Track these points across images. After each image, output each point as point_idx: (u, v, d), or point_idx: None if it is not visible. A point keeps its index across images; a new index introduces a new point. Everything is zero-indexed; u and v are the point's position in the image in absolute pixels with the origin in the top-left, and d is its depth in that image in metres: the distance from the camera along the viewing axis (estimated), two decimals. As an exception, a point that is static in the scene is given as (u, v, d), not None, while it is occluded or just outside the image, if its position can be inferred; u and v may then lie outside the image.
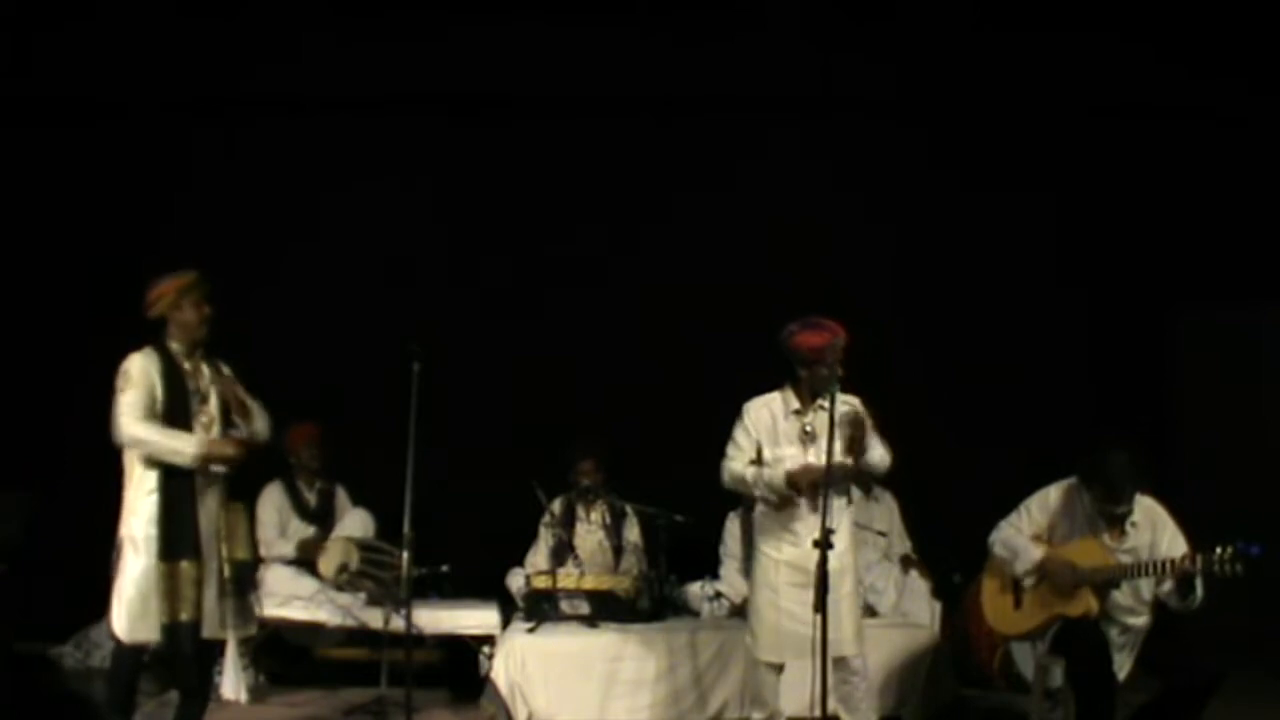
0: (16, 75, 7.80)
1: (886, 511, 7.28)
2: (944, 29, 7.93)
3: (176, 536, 5.27)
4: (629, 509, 7.35)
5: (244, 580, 5.50)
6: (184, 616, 5.26)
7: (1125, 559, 5.51)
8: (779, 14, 7.89)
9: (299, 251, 7.98)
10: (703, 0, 7.93)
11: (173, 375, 5.39)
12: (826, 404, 5.29)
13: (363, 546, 6.98)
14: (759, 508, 5.67)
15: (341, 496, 7.52)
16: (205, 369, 5.52)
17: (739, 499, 7.22)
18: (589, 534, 7.30)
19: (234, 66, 7.86)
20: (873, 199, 8.08)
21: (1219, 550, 5.22)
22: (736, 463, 5.60)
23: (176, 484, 5.30)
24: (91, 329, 7.86)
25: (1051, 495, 5.75)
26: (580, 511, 7.34)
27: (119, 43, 7.78)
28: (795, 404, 5.57)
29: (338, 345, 7.75)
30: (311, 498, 7.44)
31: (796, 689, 5.55)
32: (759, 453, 5.59)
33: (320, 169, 8.01)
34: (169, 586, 5.25)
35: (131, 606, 5.25)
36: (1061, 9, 7.83)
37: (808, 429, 5.49)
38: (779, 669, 5.56)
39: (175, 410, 5.36)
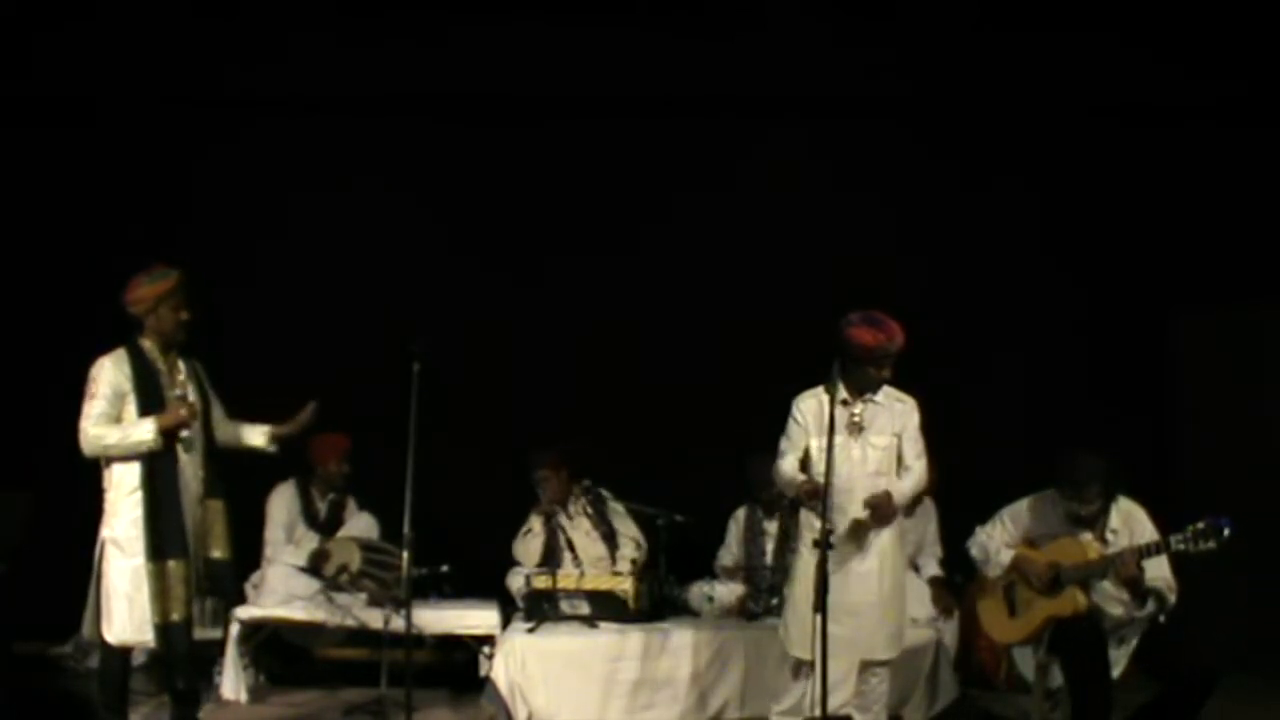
0: (15, 75, 7.80)
1: (922, 521, 7.18)
2: (944, 29, 7.92)
3: (164, 535, 5.22)
4: (603, 493, 7.32)
5: (218, 579, 5.43)
6: (176, 616, 5.23)
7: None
8: (779, 14, 7.89)
9: (299, 251, 7.98)
10: (703, 0, 7.93)
11: (146, 376, 5.31)
12: (879, 399, 5.35)
13: (365, 547, 6.98)
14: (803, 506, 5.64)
15: (350, 506, 7.49)
16: (181, 366, 5.45)
17: (741, 500, 7.26)
18: (574, 527, 7.27)
19: (233, 66, 7.85)
20: (871, 199, 8.07)
21: (1190, 527, 5.23)
22: (786, 460, 5.58)
23: (161, 481, 5.25)
24: (93, 328, 7.87)
25: (1025, 505, 5.78)
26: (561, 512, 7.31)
27: (118, 42, 7.78)
28: (843, 394, 5.51)
29: (337, 345, 7.75)
30: (322, 508, 7.40)
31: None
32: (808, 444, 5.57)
33: (320, 169, 8.00)
34: (160, 587, 5.21)
35: (119, 609, 5.22)
36: (1061, 9, 7.82)
37: (855, 419, 5.47)
38: (809, 665, 5.48)
39: (143, 408, 5.27)
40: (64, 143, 7.93)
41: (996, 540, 5.74)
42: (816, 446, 5.49)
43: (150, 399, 5.29)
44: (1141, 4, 7.76)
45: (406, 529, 5.87)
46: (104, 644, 5.32)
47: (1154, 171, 8.02)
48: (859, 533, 5.41)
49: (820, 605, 4.93)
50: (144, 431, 5.22)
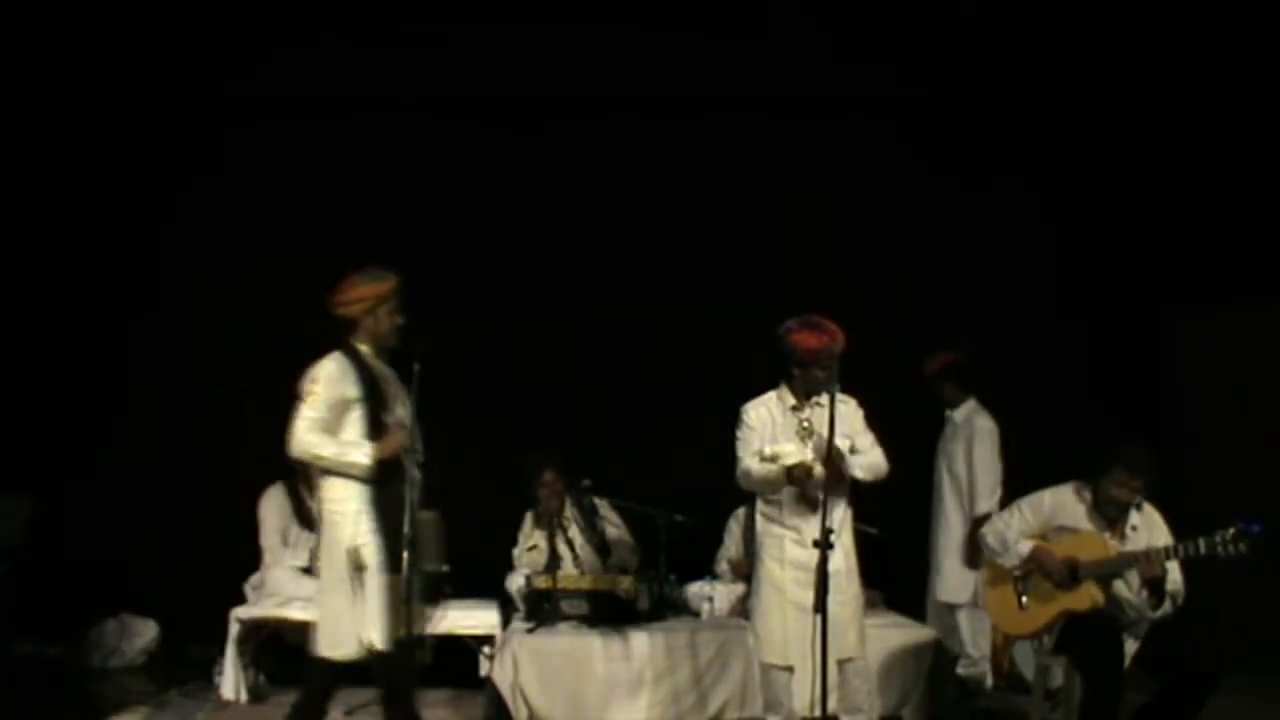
0: (15, 75, 7.80)
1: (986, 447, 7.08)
2: (944, 28, 7.93)
3: (392, 551, 5.12)
4: (596, 502, 7.33)
5: (424, 589, 5.39)
6: (402, 631, 5.15)
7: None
8: (780, 14, 7.89)
9: (298, 251, 7.97)
10: (704, 0, 7.94)
11: (366, 380, 5.23)
12: (824, 402, 5.32)
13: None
14: (762, 509, 5.66)
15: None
16: (391, 373, 5.38)
17: (741, 500, 7.25)
18: (570, 531, 7.27)
19: (233, 66, 7.86)
20: (872, 199, 8.09)
21: (1221, 532, 5.22)
22: (747, 460, 5.59)
23: (389, 501, 5.16)
24: (92, 329, 7.89)
25: (1046, 499, 5.72)
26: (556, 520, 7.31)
27: (118, 42, 7.79)
28: (791, 400, 5.58)
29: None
30: (314, 506, 7.39)
31: (798, 689, 5.54)
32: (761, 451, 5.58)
33: (320, 169, 8.01)
34: (388, 600, 5.10)
35: (338, 623, 5.12)
36: (1061, 9, 7.83)
37: (805, 424, 5.50)
38: (790, 669, 5.52)
39: (371, 417, 5.19)
40: (64, 143, 7.93)
41: (1015, 530, 5.68)
42: (770, 454, 5.53)
43: (376, 417, 5.19)
44: (1140, 4, 7.77)
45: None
46: (318, 660, 5.16)
47: (1154, 171, 8.02)
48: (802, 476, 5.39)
49: (820, 605, 4.96)
50: (360, 456, 5.13)
